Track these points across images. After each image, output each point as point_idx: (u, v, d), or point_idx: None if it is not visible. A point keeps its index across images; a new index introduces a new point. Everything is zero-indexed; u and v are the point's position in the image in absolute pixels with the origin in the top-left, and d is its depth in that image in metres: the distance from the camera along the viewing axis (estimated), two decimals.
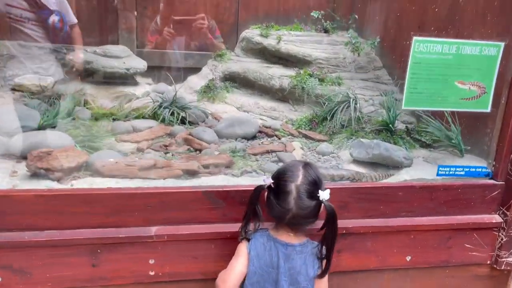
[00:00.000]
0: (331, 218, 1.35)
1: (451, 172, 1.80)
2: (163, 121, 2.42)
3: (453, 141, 1.96)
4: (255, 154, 2.15)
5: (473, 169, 1.81)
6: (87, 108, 2.38)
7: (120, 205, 1.57)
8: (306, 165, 1.40)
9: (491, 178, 1.85)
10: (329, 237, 1.37)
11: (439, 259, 1.84)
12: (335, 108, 2.43)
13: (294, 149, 2.23)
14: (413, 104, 1.72)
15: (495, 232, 1.85)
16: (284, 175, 1.36)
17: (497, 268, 1.87)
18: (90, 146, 1.99)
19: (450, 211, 1.80)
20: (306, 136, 2.44)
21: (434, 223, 1.78)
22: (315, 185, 1.35)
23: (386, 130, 2.28)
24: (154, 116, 2.47)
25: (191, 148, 2.18)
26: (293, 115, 2.67)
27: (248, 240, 1.42)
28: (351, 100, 2.40)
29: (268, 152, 2.19)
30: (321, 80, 2.69)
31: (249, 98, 2.87)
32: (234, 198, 1.64)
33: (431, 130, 2.00)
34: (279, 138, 2.41)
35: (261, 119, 2.69)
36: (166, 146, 2.19)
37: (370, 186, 1.76)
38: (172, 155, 2.10)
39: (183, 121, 2.46)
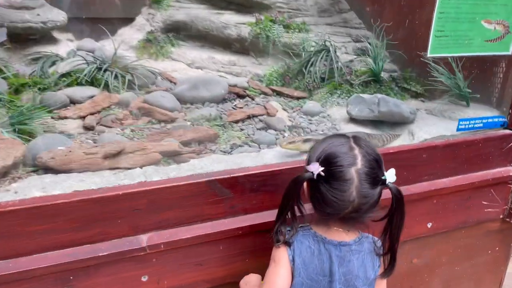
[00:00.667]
0: (399, 204, 1.05)
1: (470, 125, 1.60)
2: (106, 87, 1.92)
3: (466, 89, 1.76)
4: (236, 122, 1.77)
5: (490, 120, 1.63)
6: (0, 77, 1.79)
7: (95, 213, 1.14)
8: (356, 139, 1.06)
9: (506, 128, 1.70)
10: (395, 227, 1.07)
11: (458, 220, 1.68)
12: (312, 59, 2.11)
13: (277, 111, 1.89)
14: (439, 51, 1.46)
15: (509, 185, 1.72)
16: (336, 157, 1.00)
17: (510, 221, 1.77)
18: (21, 130, 1.48)
19: (470, 168, 1.63)
20: (281, 94, 2.10)
21: (456, 184, 1.60)
22: (377, 165, 1.04)
23: (374, 82, 2.02)
24: (92, 81, 1.94)
25: (153, 120, 1.75)
26: (259, 70, 2.30)
27: (289, 244, 1.07)
28: (331, 48, 2.08)
29: (249, 117, 1.83)
30: (286, 27, 2.33)
31: (200, 52, 2.43)
32: (244, 185, 1.29)
33: (443, 79, 1.78)
34: (253, 99, 2.04)
35: (220, 76, 2.28)
36: (120, 120, 1.73)
37: (392, 152, 1.50)
38: (132, 131, 1.66)
39: (130, 86, 1.98)
